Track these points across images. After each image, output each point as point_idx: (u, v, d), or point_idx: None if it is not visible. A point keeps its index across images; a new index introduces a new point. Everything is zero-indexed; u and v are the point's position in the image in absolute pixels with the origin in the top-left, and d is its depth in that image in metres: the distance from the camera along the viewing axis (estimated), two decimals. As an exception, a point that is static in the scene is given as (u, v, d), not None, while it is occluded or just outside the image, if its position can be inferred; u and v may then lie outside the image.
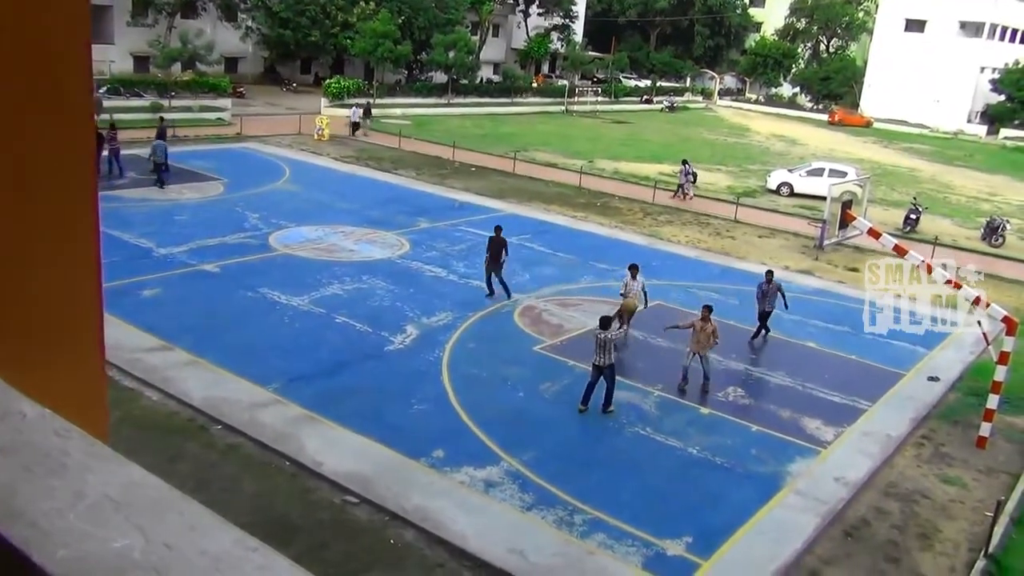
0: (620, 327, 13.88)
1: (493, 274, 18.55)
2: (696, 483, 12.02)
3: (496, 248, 18.37)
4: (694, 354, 14.62)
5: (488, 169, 35.54)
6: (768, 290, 17.25)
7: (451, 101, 56.80)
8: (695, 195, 32.83)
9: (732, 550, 10.45)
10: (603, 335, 13.34)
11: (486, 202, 28.97)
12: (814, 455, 13.11)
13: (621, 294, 16.94)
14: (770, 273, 17.71)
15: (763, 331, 17.50)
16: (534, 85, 68.81)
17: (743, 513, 11.26)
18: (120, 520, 1.02)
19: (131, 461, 1.20)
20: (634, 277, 16.60)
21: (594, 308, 17.52)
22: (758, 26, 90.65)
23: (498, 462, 11.91)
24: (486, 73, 68.22)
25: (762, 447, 13.16)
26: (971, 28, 73.79)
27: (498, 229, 18.71)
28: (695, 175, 33.41)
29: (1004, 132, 70.83)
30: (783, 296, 17.37)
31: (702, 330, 14.55)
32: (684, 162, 33.19)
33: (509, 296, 18.57)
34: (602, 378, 13.50)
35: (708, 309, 14.84)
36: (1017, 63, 70.08)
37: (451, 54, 55.84)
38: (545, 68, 79.53)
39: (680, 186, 32.73)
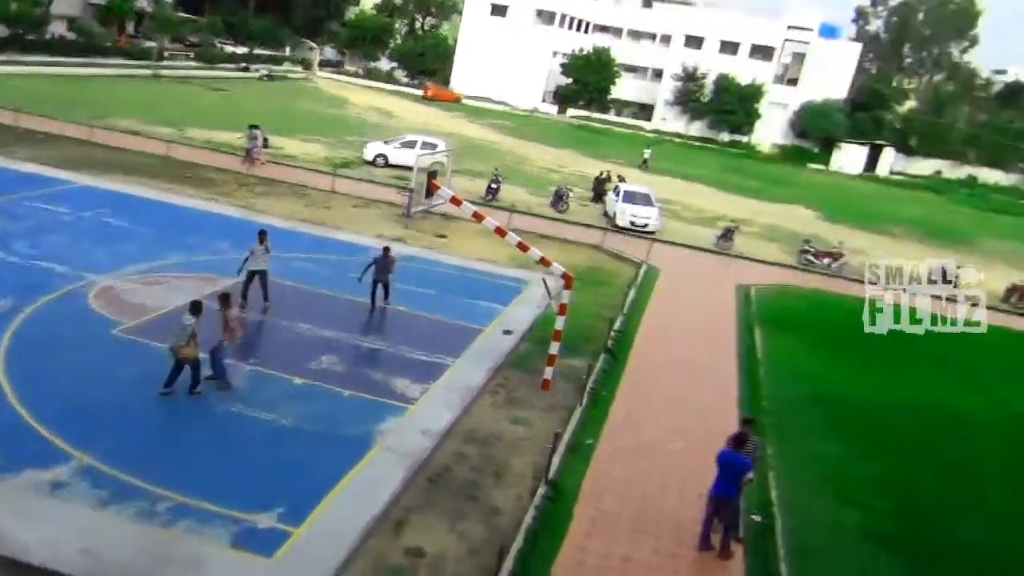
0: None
1: None
2: (288, 454, 12.04)
3: None
4: (220, 343, 13.55)
5: (61, 137, 31.75)
6: (386, 264, 18.12)
7: (13, 59, 49.51)
8: (268, 160, 32.70)
9: (323, 514, 10.66)
10: (187, 320, 12.74)
11: (57, 173, 25.86)
12: (403, 412, 13.85)
13: (245, 259, 17.10)
14: (387, 249, 18.51)
15: (387, 298, 18.35)
16: (112, 45, 62.46)
17: (335, 476, 11.53)
18: None
19: None
20: (261, 242, 17.09)
21: (181, 285, 16.64)
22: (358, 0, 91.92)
23: (67, 460, 10.84)
24: (59, 29, 60.50)
25: (354, 410, 13.59)
26: (546, 16, 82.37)
27: None
28: (266, 140, 33.45)
29: (571, 111, 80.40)
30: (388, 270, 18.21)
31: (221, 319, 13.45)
32: (251, 127, 32.62)
33: None
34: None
35: (223, 298, 13.55)
36: (582, 50, 79.73)
37: (13, 4, 48.64)
38: (131, 28, 72.67)
39: (248, 151, 32.30)
